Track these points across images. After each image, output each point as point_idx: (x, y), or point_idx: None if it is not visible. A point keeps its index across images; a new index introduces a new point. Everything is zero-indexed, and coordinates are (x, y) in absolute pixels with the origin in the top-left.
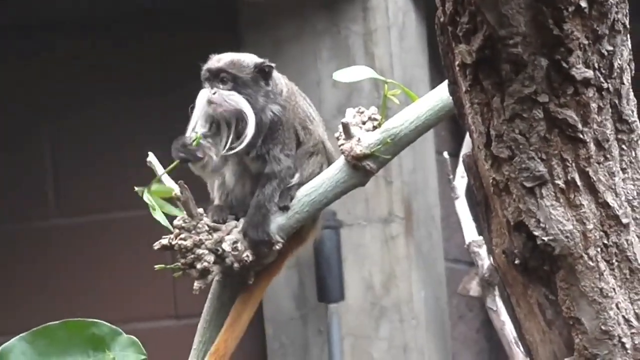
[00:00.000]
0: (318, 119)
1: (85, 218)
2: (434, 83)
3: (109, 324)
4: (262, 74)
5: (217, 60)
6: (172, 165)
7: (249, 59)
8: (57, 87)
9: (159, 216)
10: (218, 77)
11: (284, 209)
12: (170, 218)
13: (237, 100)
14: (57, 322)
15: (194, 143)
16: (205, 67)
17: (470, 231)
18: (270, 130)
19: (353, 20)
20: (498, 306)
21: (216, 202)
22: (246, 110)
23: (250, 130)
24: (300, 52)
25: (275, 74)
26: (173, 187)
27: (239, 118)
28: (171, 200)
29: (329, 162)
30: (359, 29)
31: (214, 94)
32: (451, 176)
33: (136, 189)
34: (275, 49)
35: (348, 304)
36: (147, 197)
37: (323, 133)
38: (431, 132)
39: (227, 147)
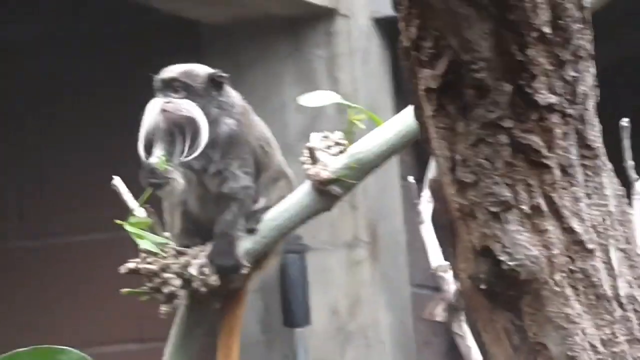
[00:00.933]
0: (275, 144)
1: (48, 240)
2: (398, 108)
3: (77, 351)
4: (215, 84)
5: (170, 71)
6: (145, 194)
7: (202, 69)
8: (20, 107)
9: (146, 244)
10: (171, 86)
11: (251, 231)
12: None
13: (189, 108)
14: (25, 348)
15: (160, 167)
16: (158, 77)
17: (435, 256)
18: (227, 145)
19: (317, 45)
20: (464, 331)
21: (178, 227)
22: (198, 118)
23: (204, 137)
24: (263, 76)
25: (229, 88)
26: (138, 212)
27: (193, 127)
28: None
29: (291, 188)
30: (323, 53)
31: (168, 102)
32: (417, 201)
33: (117, 221)
34: (238, 72)
35: (314, 329)
36: (129, 228)
37: (282, 158)
38: (396, 157)
39: (183, 155)
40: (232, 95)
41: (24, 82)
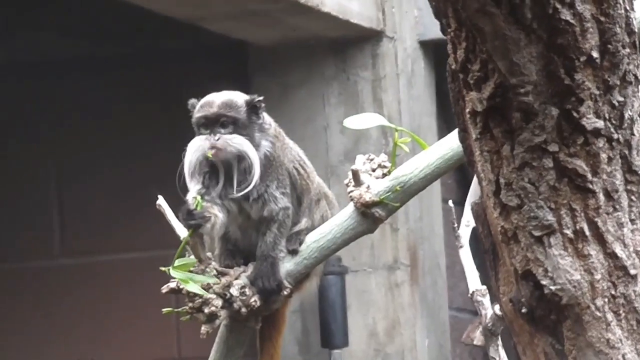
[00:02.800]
0: (311, 166)
1: (90, 258)
2: (442, 131)
3: None
4: (254, 109)
5: (210, 106)
6: (187, 236)
7: (240, 98)
8: (64, 126)
9: (193, 288)
10: (218, 122)
11: (293, 252)
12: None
13: (240, 143)
14: None
15: (198, 207)
16: (200, 114)
17: (473, 280)
18: (265, 167)
19: (362, 67)
20: (501, 356)
21: (219, 248)
22: (250, 152)
23: (257, 171)
24: (308, 98)
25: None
26: (181, 231)
27: (240, 160)
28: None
29: (332, 208)
30: (368, 75)
31: (218, 139)
32: (455, 225)
33: (162, 269)
34: (283, 93)
35: (351, 350)
36: (174, 274)
37: (320, 179)
38: (438, 180)
39: (235, 190)
40: (266, 116)
41: (71, 101)
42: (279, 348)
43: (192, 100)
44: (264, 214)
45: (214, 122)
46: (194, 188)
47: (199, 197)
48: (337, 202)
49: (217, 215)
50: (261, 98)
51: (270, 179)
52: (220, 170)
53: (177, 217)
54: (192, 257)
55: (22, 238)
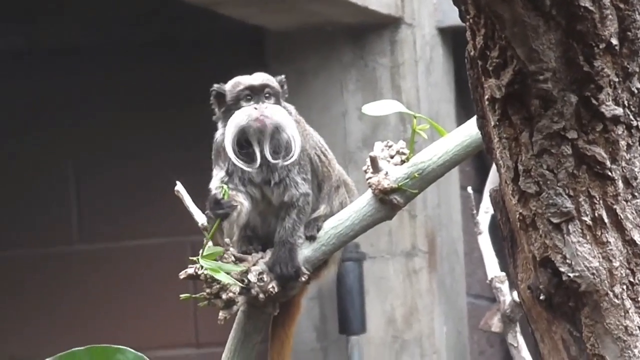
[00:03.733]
0: (331, 154)
1: (108, 244)
2: (460, 118)
3: (133, 351)
4: (283, 89)
5: (253, 78)
6: (215, 225)
7: (272, 77)
8: (81, 113)
9: (223, 277)
10: (263, 92)
11: (311, 238)
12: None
13: (284, 114)
14: (82, 347)
15: (225, 196)
16: (244, 85)
17: (492, 267)
18: (288, 150)
19: (380, 53)
20: (519, 342)
21: (237, 234)
22: (291, 123)
23: (298, 143)
24: (326, 84)
25: None
26: (200, 217)
27: (274, 134)
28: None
29: (351, 195)
30: (386, 62)
31: (266, 107)
32: (474, 211)
33: (191, 258)
34: (301, 80)
35: (369, 337)
36: (204, 263)
37: (340, 167)
38: (456, 167)
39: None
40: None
41: (87, 88)
42: (291, 335)
43: (217, 85)
44: (285, 199)
45: (260, 92)
46: (217, 175)
47: (225, 186)
48: (356, 189)
49: (243, 203)
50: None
51: (292, 163)
52: (263, 142)
53: (204, 206)
54: (219, 245)
55: (40, 224)
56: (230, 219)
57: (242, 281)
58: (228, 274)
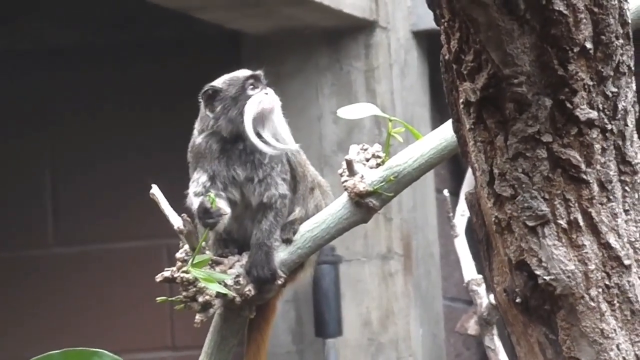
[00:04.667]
0: (304, 155)
1: (84, 247)
2: (435, 121)
3: (110, 354)
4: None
5: (251, 69)
6: (204, 235)
7: None
8: (58, 116)
9: (215, 287)
10: (260, 80)
11: (287, 241)
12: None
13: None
14: (58, 351)
15: (212, 205)
16: (248, 73)
17: (469, 269)
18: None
19: (355, 57)
20: (496, 345)
21: (212, 237)
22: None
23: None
24: (302, 87)
25: None
26: (175, 220)
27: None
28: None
29: (326, 197)
30: (361, 66)
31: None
32: (451, 214)
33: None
34: (277, 83)
35: (345, 340)
36: (195, 273)
37: (313, 168)
38: (431, 171)
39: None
40: None
41: (64, 90)
42: (266, 338)
43: (209, 85)
44: (264, 199)
45: (260, 80)
46: (199, 179)
47: (212, 195)
48: (331, 192)
49: (226, 210)
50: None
51: (275, 161)
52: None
53: (181, 209)
54: (208, 252)
55: (15, 227)
56: (217, 228)
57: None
58: (221, 283)
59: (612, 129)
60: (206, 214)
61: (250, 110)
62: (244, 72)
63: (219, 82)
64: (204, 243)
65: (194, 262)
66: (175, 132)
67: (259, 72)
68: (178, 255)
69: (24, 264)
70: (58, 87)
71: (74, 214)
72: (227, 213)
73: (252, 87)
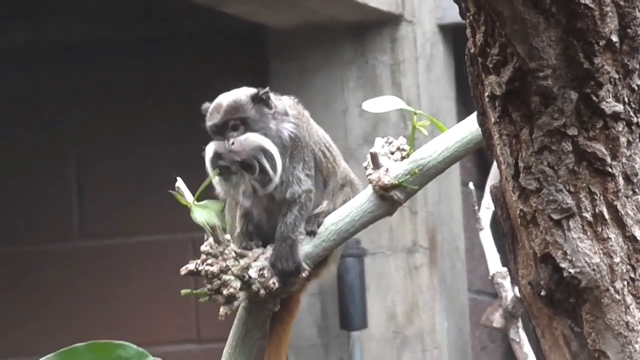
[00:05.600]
0: (337, 150)
1: (109, 241)
2: (461, 115)
3: (135, 346)
4: (262, 102)
5: (217, 111)
6: (206, 182)
7: (243, 95)
8: (82, 110)
9: (197, 215)
10: (228, 127)
11: (311, 233)
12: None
13: (256, 140)
14: (83, 343)
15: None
16: (210, 123)
17: (494, 262)
18: (291, 148)
19: (381, 51)
20: (521, 338)
21: (238, 230)
22: (268, 146)
23: (278, 163)
24: (327, 81)
25: (273, 95)
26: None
27: (260, 156)
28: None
29: (356, 194)
30: (387, 59)
31: (232, 144)
32: (476, 207)
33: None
34: (302, 77)
35: (370, 333)
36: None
37: (346, 164)
38: (457, 164)
39: (265, 186)
40: (281, 102)
41: (88, 83)
42: (289, 331)
43: (205, 105)
44: (287, 195)
45: (224, 128)
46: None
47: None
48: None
49: (244, 176)
50: (266, 90)
51: (296, 160)
52: (244, 171)
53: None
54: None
55: (41, 221)
56: (230, 183)
57: (242, 277)
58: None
59: (637, 122)
60: (217, 157)
61: (207, 159)
62: (211, 118)
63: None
64: (228, 236)
65: (201, 203)
66: (201, 125)
67: (220, 121)
68: (203, 248)
69: (49, 258)
70: (82, 80)
71: (99, 208)
72: (239, 177)
73: (216, 134)
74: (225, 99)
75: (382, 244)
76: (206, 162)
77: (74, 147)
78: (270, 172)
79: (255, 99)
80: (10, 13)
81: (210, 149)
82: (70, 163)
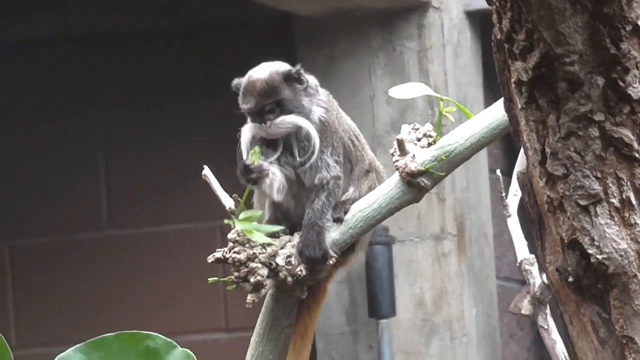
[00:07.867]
0: (363, 139)
1: (137, 230)
2: (488, 101)
3: (163, 337)
4: (294, 79)
5: (251, 93)
6: (246, 192)
7: (276, 74)
8: (111, 99)
9: (258, 237)
10: (263, 110)
11: (338, 220)
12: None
13: (291, 121)
14: (112, 333)
15: (254, 161)
16: (244, 107)
17: (522, 249)
18: (320, 132)
19: (408, 37)
20: (549, 325)
21: (266, 217)
22: (303, 124)
23: (316, 140)
24: (354, 69)
25: (305, 75)
26: (227, 201)
27: (298, 132)
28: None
29: (381, 181)
30: (414, 46)
31: (269, 127)
32: (504, 194)
33: (225, 221)
34: (330, 65)
35: (399, 320)
36: (239, 225)
37: (371, 153)
38: (484, 150)
39: (303, 160)
40: (309, 77)
41: (116, 74)
42: (315, 319)
43: (236, 82)
44: (315, 181)
45: (260, 112)
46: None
47: (256, 148)
48: (386, 176)
49: (275, 173)
50: (297, 68)
51: (325, 145)
52: (279, 143)
53: (232, 189)
54: (258, 210)
55: (69, 211)
56: (264, 186)
57: (269, 264)
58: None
59: None
60: (246, 170)
61: (243, 140)
62: (245, 101)
63: (242, 81)
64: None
65: (240, 217)
66: (228, 115)
67: (257, 106)
68: (230, 236)
69: (78, 247)
70: (111, 71)
71: (127, 197)
72: (271, 173)
73: (251, 117)
74: (258, 79)
75: (410, 231)
76: (242, 144)
77: (102, 137)
78: (309, 144)
79: (287, 77)
80: (37, 4)
81: (246, 131)
82: (99, 153)
